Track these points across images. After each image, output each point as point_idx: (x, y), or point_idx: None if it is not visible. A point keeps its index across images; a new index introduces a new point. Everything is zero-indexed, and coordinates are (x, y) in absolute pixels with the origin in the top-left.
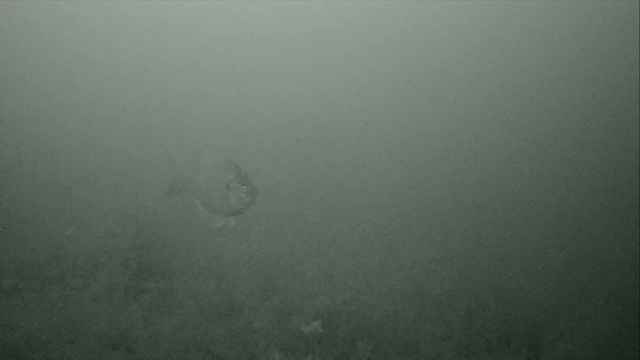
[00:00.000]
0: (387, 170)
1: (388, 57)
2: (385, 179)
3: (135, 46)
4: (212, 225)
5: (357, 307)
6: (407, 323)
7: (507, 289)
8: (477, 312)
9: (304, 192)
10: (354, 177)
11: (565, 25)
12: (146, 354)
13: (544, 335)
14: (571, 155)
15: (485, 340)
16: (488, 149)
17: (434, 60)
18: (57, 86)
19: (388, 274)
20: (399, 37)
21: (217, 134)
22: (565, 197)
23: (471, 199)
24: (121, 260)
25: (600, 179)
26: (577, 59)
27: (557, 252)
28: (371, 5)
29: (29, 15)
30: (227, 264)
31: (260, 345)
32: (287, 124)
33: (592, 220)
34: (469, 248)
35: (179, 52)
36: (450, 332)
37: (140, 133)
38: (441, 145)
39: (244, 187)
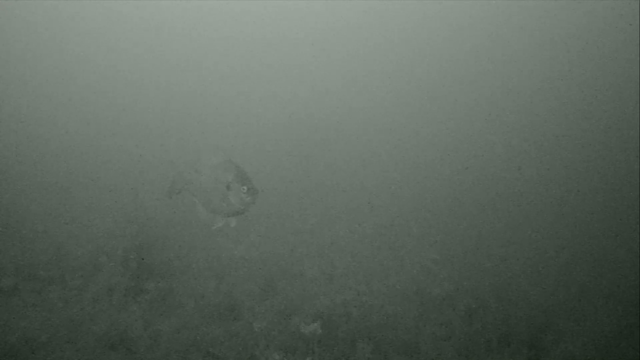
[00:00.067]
0: (387, 170)
1: (388, 57)
2: (385, 179)
3: (135, 46)
4: (212, 225)
5: (357, 308)
6: (407, 323)
7: (507, 289)
8: (477, 313)
9: (304, 192)
10: (354, 177)
11: (565, 25)
12: (146, 355)
13: (544, 336)
14: (571, 155)
15: (485, 340)
16: (488, 149)
17: (434, 60)
18: (57, 86)
19: (388, 274)
20: (399, 37)
21: (217, 134)
22: (565, 197)
23: (471, 199)
24: (121, 261)
25: (600, 179)
26: (577, 59)
27: (557, 252)
28: (371, 5)
29: (29, 15)
30: (227, 264)
31: (260, 346)
32: (287, 124)
33: (592, 220)
34: (469, 248)
35: (179, 52)
36: (451, 333)
37: (140, 133)
38: (441, 145)
39: (244, 187)
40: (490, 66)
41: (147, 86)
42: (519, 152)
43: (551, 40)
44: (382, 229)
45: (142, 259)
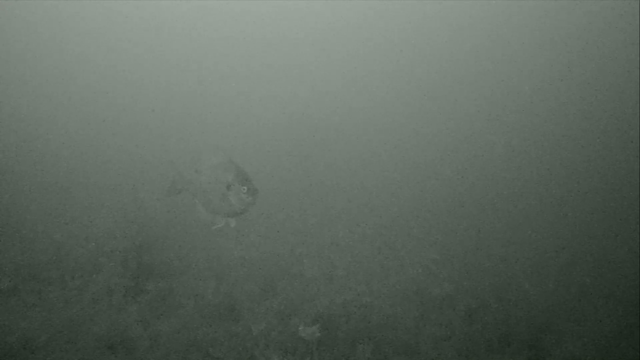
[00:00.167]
0: (387, 170)
1: (388, 57)
2: (385, 179)
3: (135, 46)
4: (212, 225)
5: (357, 308)
6: (408, 323)
7: (507, 289)
8: (478, 313)
9: (304, 192)
10: (354, 177)
11: (565, 25)
12: (145, 355)
13: (545, 336)
14: (571, 155)
15: (485, 340)
16: (488, 149)
17: (434, 60)
18: (57, 86)
19: (388, 275)
20: (399, 37)
21: (217, 134)
22: (565, 197)
23: (471, 199)
24: (121, 261)
25: (600, 179)
26: (577, 59)
27: (557, 253)
28: (371, 5)
29: (29, 15)
30: (227, 265)
31: (260, 347)
32: (287, 124)
33: (592, 220)
34: (469, 248)
35: (179, 52)
36: (451, 333)
37: (140, 133)
38: (441, 145)
39: (245, 188)
40: (490, 66)
41: (147, 86)
42: (519, 152)
43: (551, 40)
44: (382, 229)
45: (142, 259)
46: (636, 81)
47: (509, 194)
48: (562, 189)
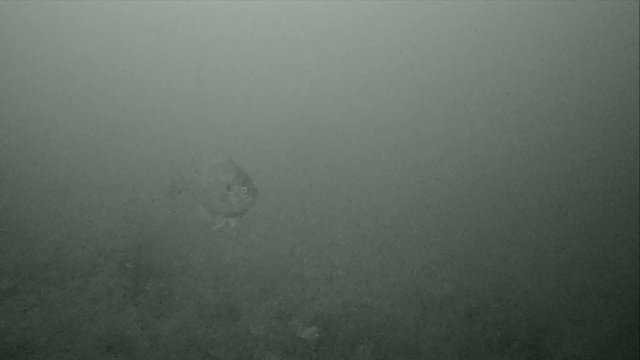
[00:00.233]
0: (387, 170)
1: (388, 57)
2: (385, 179)
3: (135, 46)
4: (212, 225)
5: (356, 308)
6: (408, 324)
7: (508, 289)
8: (478, 313)
9: (304, 192)
10: (354, 177)
11: (565, 25)
12: (145, 356)
13: (545, 336)
14: (571, 155)
15: (485, 341)
16: (488, 149)
17: (434, 60)
18: (57, 86)
19: (388, 275)
20: (399, 37)
21: (217, 134)
22: (565, 197)
23: (471, 199)
24: (120, 261)
25: (600, 179)
26: (577, 58)
27: (557, 253)
28: (371, 5)
29: (29, 15)
30: (226, 265)
31: (259, 348)
32: (287, 124)
33: (592, 220)
34: (469, 248)
35: (179, 52)
36: (451, 333)
37: (140, 133)
38: (441, 145)
39: (245, 188)
40: (490, 66)
41: (147, 86)
42: (519, 152)
43: (551, 40)
44: (382, 229)
45: (142, 260)
46: (636, 81)
47: (509, 194)
48: (562, 189)
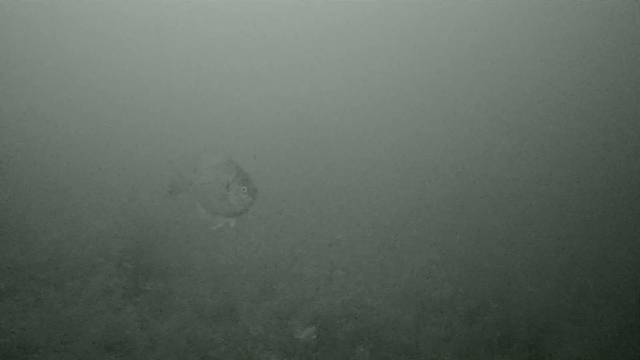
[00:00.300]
0: (387, 170)
1: (388, 57)
2: (385, 179)
3: (135, 46)
4: (212, 226)
5: (356, 309)
6: (407, 324)
7: (508, 289)
8: (478, 314)
9: (304, 193)
10: (354, 177)
11: (565, 25)
12: (144, 356)
13: (545, 336)
14: (571, 155)
15: (485, 341)
16: (488, 149)
17: (434, 60)
18: (57, 86)
19: (388, 275)
20: (399, 37)
21: (217, 134)
22: (565, 197)
23: (471, 199)
24: (120, 261)
25: (600, 179)
26: (577, 58)
27: (557, 253)
28: (371, 5)
29: (29, 15)
30: (226, 265)
31: (258, 348)
32: (287, 124)
33: (592, 220)
34: (469, 249)
35: (179, 52)
36: (451, 334)
37: (140, 133)
38: (441, 145)
39: (245, 188)
40: (490, 66)
41: (147, 86)
42: (519, 152)
43: (551, 40)
44: (382, 229)
45: (141, 260)
46: (636, 81)
47: (509, 194)
48: (562, 189)
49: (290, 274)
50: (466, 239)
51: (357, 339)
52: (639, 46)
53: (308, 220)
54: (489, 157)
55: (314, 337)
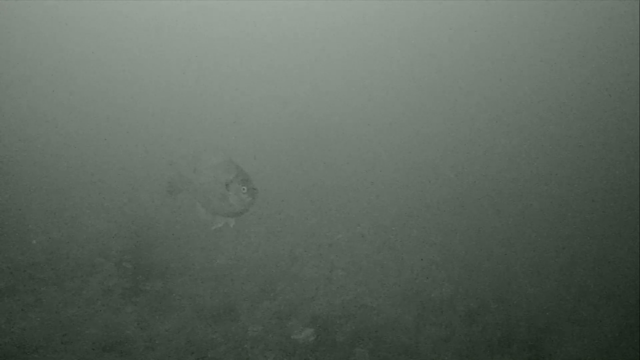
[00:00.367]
0: (387, 170)
1: (388, 57)
2: (385, 179)
3: (135, 46)
4: (212, 226)
5: (356, 309)
6: (407, 325)
7: (508, 289)
8: (478, 314)
9: (303, 193)
10: (354, 177)
11: (565, 25)
12: (143, 357)
13: (545, 337)
14: (571, 155)
15: (485, 341)
16: (488, 148)
17: (434, 60)
18: (57, 86)
19: (387, 275)
20: (399, 37)
21: (217, 134)
22: (565, 197)
23: (471, 199)
24: (119, 261)
25: (600, 179)
26: (577, 58)
27: (557, 253)
28: (371, 5)
29: (29, 15)
30: (225, 265)
31: (258, 349)
32: (287, 124)
33: (592, 220)
34: (469, 249)
35: (179, 52)
36: (451, 334)
37: (140, 133)
38: (441, 145)
39: (244, 188)
40: (490, 66)
41: (147, 86)
42: (519, 152)
43: (551, 40)
44: (382, 229)
45: (140, 260)
46: (636, 81)
47: (509, 194)
48: (562, 189)
49: (290, 274)
50: (466, 239)
51: (356, 339)
52: (639, 46)
53: (308, 220)
54: (489, 157)
55: (314, 337)
